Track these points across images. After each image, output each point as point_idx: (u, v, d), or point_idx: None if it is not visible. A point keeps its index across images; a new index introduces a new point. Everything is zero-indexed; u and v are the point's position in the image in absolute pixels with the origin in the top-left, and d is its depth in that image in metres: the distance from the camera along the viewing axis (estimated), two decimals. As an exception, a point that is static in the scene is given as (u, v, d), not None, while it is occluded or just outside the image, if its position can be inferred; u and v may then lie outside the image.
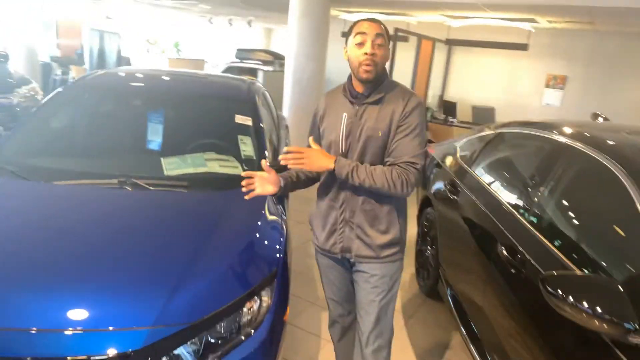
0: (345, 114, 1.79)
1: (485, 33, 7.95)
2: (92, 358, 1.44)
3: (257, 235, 2.12)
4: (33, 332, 1.45)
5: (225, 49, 14.29)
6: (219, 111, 3.01)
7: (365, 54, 1.69)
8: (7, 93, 4.83)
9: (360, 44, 1.70)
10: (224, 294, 1.73)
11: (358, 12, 7.66)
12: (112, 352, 1.46)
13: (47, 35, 11.96)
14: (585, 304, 1.36)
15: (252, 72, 10.98)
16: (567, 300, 1.37)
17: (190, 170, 2.51)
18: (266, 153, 2.75)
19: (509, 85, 8.55)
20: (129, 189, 2.24)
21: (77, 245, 1.82)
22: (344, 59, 1.79)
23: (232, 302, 1.72)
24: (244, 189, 1.80)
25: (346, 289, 2.04)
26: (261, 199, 2.35)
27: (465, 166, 3.05)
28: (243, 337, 1.71)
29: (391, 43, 6.92)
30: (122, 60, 11.21)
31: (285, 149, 1.70)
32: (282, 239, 2.14)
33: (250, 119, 2.89)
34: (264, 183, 1.81)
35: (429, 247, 3.44)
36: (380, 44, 1.71)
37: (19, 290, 1.59)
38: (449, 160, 3.44)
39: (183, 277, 1.72)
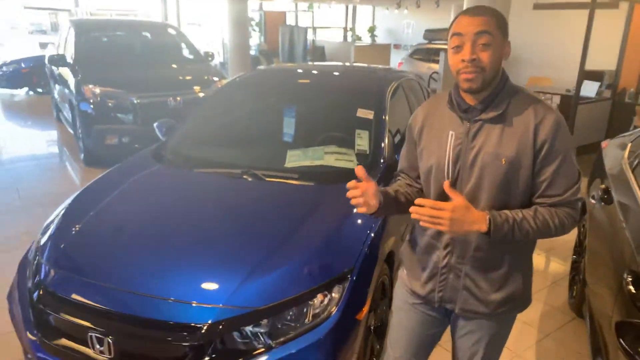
0: (452, 132, 1.41)
1: None
2: (169, 323, 1.74)
3: (342, 231, 2.16)
4: (130, 293, 1.83)
5: (415, 31, 14.15)
6: (348, 105, 3.09)
7: (463, 60, 1.31)
8: (206, 87, 5.81)
9: (458, 48, 1.32)
10: (293, 286, 1.85)
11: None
12: (187, 322, 1.74)
13: (257, 31, 13.75)
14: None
15: (437, 53, 10.68)
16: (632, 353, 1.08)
17: (307, 162, 2.68)
18: (382, 146, 2.74)
19: None
20: (248, 178, 2.52)
21: (188, 226, 2.17)
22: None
23: (300, 294, 1.83)
24: (352, 202, 1.43)
25: (421, 344, 1.67)
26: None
27: (627, 167, 2.49)
28: (309, 328, 1.81)
29: (588, 12, 5.82)
30: (316, 50, 12.15)
31: (417, 200, 1.34)
32: (370, 235, 2.14)
33: (372, 112, 2.90)
34: (367, 197, 1.42)
35: (582, 259, 2.93)
36: (486, 44, 1.30)
37: (131, 257, 2.00)
38: (613, 159, 2.84)
39: (260, 264, 1.90)
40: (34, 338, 1.93)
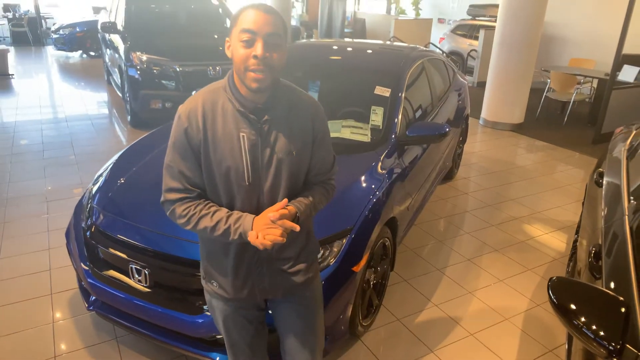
0: (243, 135, 1.39)
1: None
2: (194, 261, 2.10)
3: (347, 195, 2.45)
4: (164, 235, 2.20)
5: (460, 5, 13.85)
6: (370, 82, 3.32)
7: (256, 56, 1.30)
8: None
9: (248, 42, 1.30)
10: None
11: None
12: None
13: (299, 1, 13.82)
14: (578, 317, 1.30)
15: (479, 30, 10.52)
16: (561, 306, 1.33)
17: (326, 134, 2.96)
18: (395, 122, 2.99)
19: None
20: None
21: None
22: (227, 53, 1.40)
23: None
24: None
25: (254, 338, 1.73)
26: (371, 162, 2.68)
27: (623, 153, 2.63)
28: (310, 275, 2.14)
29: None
30: (357, 22, 12.17)
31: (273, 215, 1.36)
32: (372, 200, 2.43)
33: (389, 90, 3.13)
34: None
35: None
36: (276, 44, 1.33)
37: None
38: (618, 145, 2.96)
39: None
40: (86, 268, 2.36)
